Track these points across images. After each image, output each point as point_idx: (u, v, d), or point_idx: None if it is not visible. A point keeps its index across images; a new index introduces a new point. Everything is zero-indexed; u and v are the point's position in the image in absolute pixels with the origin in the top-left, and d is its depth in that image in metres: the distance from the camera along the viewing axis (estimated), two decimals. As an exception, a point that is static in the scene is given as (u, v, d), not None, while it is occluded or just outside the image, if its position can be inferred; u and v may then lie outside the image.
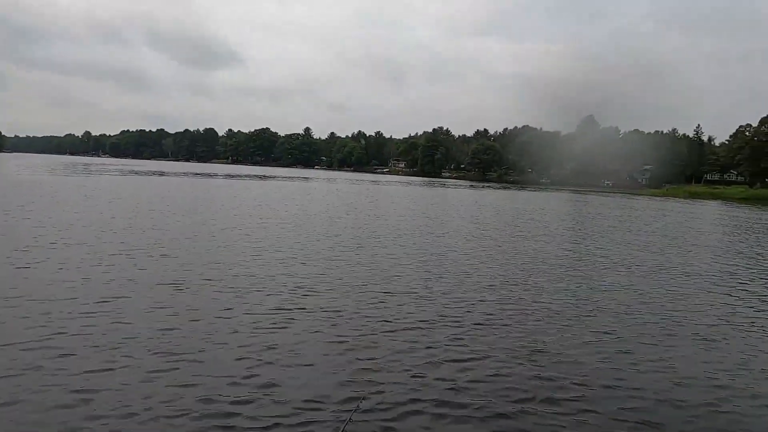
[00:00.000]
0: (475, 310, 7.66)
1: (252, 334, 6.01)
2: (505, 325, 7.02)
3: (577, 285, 9.85)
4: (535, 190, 71.77)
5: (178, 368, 4.95)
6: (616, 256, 13.72)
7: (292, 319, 6.70)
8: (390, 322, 6.81)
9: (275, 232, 14.85)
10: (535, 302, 8.33)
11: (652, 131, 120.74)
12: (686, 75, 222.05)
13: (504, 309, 7.83)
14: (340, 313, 7.08)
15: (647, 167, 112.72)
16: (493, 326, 6.92)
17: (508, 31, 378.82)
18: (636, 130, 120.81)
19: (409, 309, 7.50)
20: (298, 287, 8.36)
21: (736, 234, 22.92)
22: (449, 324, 6.86)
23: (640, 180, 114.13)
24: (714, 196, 77.29)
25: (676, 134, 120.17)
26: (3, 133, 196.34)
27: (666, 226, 25.52)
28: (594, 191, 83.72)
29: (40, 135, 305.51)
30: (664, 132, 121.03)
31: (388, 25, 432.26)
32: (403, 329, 6.54)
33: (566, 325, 7.13)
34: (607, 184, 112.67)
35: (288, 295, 7.90)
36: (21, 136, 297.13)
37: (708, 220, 32.06)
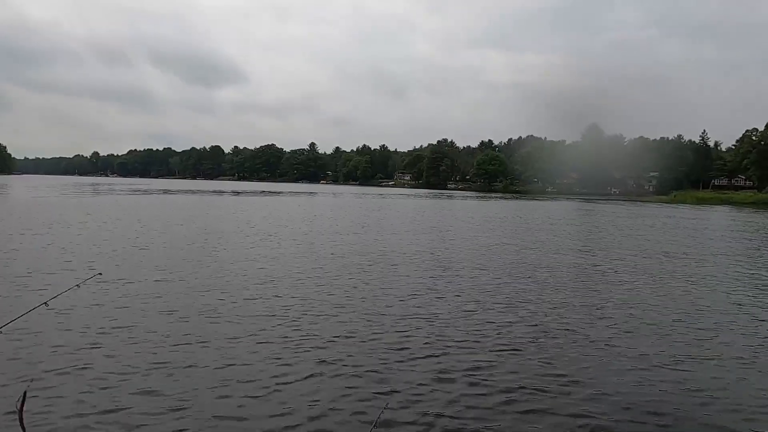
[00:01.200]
0: (501, 331, 7.41)
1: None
2: (534, 349, 6.62)
3: (611, 302, 9.84)
4: (541, 200, 71.73)
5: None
6: (656, 269, 13.67)
7: (303, 349, 6.80)
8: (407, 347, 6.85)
9: (288, 250, 15.02)
10: (562, 321, 8.32)
11: (658, 138, 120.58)
12: (689, 82, 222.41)
13: (531, 330, 7.50)
14: (354, 338, 6.96)
15: (653, 174, 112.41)
16: (523, 351, 6.58)
17: (507, 43, 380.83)
18: (641, 137, 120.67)
19: (428, 331, 7.48)
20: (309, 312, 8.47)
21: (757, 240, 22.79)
22: (469, 348, 6.67)
23: (646, 187, 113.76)
24: (723, 202, 76.85)
25: (682, 140, 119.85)
26: (12, 156, 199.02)
27: (687, 232, 25.44)
28: (601, 199, 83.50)
29: (48, 156, 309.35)
30: (670, 138, 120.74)
31: (388, 40, 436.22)
32: (423, 356, 6.41)
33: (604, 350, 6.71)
34: (614, 192, 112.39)
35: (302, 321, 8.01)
36: (30, 158, 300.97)
37: (728, 226, 31.90)
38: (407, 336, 6.85)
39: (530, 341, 6.84)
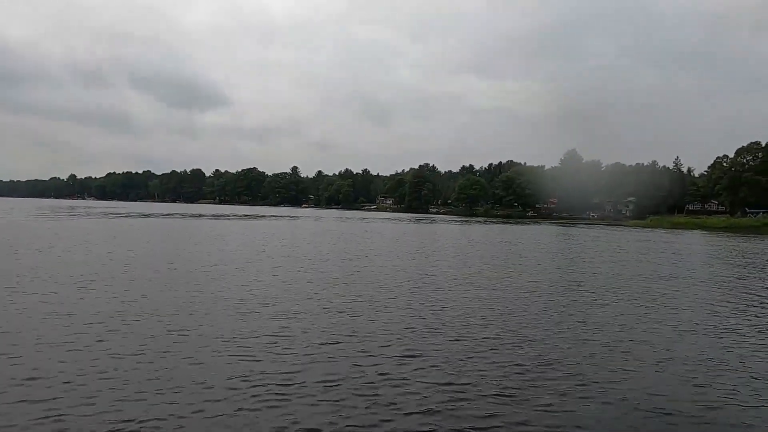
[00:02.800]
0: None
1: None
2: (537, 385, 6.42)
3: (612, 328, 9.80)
4: (521, 224, 72.40)
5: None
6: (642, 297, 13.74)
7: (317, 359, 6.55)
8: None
9: (275, 275, 14.69)
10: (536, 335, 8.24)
11: (634, 164, 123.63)
12: (663, 109, 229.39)
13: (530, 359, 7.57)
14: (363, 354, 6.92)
15: (630, 199, 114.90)
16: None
17: (488, 70, 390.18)
18: (618, 163, 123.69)
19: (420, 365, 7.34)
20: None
21: (730, 263, 23.20)
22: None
23: (623, 211, 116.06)
24: (697, 226, 78.57)
25: (657, 166, 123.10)
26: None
27: (663, 257, 25.78)
28: (580, 223, 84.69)
29: (24, 179, 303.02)
30: (645, 164, 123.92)
31: (371, 66, 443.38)
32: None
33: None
34: (592, 216, 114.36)
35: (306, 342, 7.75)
36: (5, 180, 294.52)
37: (711, 253, 32.47)
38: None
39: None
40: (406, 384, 6.03)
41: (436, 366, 6.70)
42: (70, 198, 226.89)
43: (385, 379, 6.15)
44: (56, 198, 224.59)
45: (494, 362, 6.91)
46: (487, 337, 8.24)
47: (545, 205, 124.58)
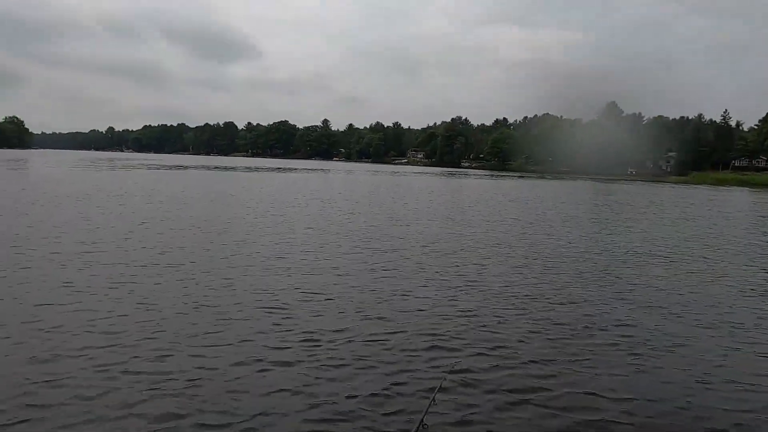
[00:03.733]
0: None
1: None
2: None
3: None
4: (557, 179, 71.17)
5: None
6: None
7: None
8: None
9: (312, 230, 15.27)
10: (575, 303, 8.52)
11: (677, 117, 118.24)
12: (712, 60, 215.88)
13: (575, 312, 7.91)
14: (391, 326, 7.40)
15: (671, 154, 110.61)
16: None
17: (522, 19, 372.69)
18: (660, 117, 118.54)
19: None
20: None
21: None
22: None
23: (664, 167, 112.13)
24: (742, 183, 75.62)
25: (702, 120, 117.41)
26: (29, 130, 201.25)
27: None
28: (617, 180, 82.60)
29: (65, 131, 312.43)
30: (690, 118, 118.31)
31: (401, 17, 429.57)
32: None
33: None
34: (631, 173, 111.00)
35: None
36: (47, 132, 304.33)
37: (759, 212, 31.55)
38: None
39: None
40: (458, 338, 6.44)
41: (485, 324, 7.04)
42: (110, 150, 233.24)
43: (435, 340, 6.55)
44: (96, 150, 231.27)
45: (549, 320, 7.21)
46: (537, 297, 8.55)
47: (581, 161, 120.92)
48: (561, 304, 7.91)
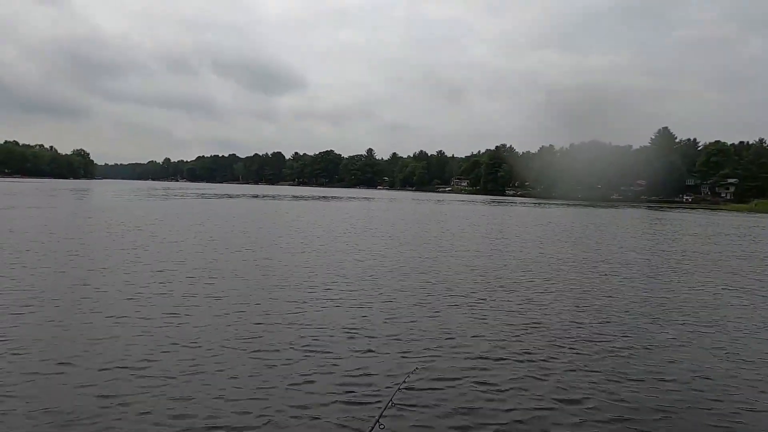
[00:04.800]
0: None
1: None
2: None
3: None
4: (607, 207, 68.94)
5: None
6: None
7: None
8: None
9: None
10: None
11: (736, 142, 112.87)
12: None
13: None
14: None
15: (731, 181, 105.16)
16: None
17: (570, 44, 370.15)
18: (717, 142, 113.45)
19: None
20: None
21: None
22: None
23: (723, 194, 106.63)
24: (812, 211, 70.67)
25: (764, 144, 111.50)
26: (94, 162, 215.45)
27: None
28: (671, 207, 79.08)
29: (125, 162, 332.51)
30: (751, 142, 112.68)
31: (444, 45, 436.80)
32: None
33: None
34: (686, 200, 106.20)
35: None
36: (110, 163, 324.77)
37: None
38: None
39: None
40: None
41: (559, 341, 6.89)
42: (165, 180, 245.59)
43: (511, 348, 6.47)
44: (153, 180, 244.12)
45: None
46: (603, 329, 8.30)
47: (632, 188, 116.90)
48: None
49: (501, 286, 10.80)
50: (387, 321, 7.70)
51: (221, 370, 5.48)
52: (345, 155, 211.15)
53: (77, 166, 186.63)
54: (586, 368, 6.00)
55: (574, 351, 6.62)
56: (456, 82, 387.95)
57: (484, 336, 7.14)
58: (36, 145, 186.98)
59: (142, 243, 15.25)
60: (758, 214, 63.57)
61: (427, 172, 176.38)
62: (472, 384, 5.40)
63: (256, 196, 63.58)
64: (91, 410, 4.47)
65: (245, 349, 6.17)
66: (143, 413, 4.47)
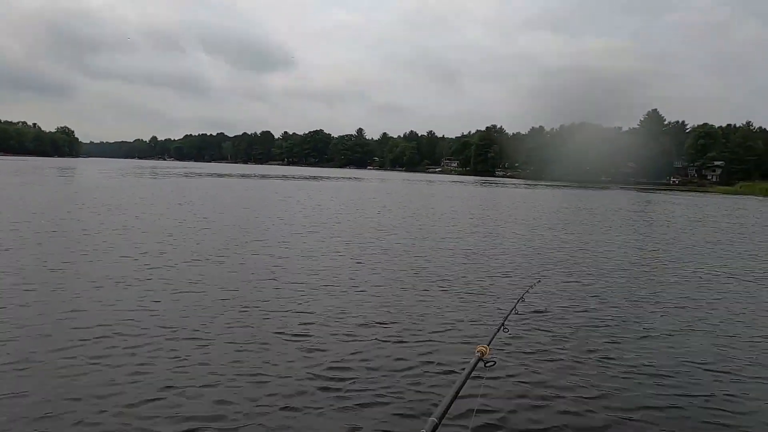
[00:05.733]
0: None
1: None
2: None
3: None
4: (595, 189, 69.40)
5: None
6: None
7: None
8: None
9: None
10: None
11: (724, 125, 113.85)
12: (762, 64, 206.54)
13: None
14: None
15: (718, 163, 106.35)
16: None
17: (562, 26, 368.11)
18: (705, 125, 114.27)
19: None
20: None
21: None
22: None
23: (709, 177, 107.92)
24: (795, 194, 71.74)
25: (751, 127, 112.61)
26: (79, 140, 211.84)
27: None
28: (658, 189, 79.87)
29: (111, 141, 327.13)
30: (738, 126, 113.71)
31: (437, 26, 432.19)
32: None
33: None
34: (673, 182, 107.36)
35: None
36: (95, 141, 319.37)
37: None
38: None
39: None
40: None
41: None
42: (152, 159, 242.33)
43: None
44: (140, 158, 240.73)
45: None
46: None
47: (621, 170, 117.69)
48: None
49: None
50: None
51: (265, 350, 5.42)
52: (335, 135, 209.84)
53: (62, 144, 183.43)
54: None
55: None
56: (449, 63, 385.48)
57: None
58: (19, 122, 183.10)
59: (127, 224, 15.04)
60: (743, 197, 64.43)
61: (417, 153, 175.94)
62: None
63: (245, 176, 63.02)
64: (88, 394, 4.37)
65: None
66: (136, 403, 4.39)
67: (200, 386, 4.53)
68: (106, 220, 15.57)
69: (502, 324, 3.09)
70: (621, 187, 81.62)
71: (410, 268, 10.25)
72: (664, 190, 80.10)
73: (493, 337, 2.71)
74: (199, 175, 61.53)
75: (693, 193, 69.19)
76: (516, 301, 4.30)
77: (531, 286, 6.00)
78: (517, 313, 4.49)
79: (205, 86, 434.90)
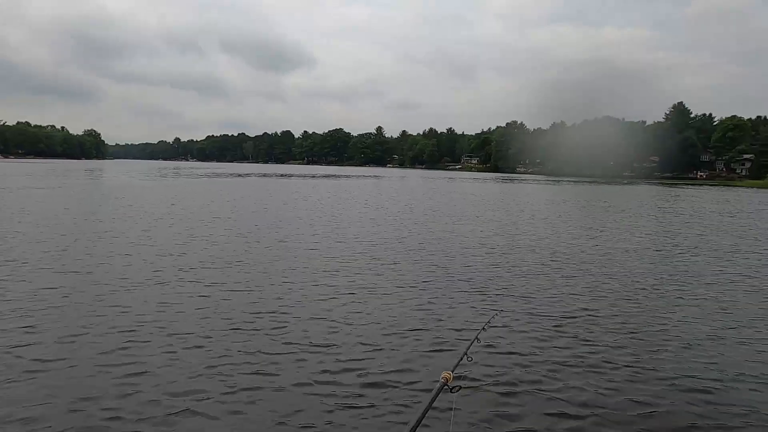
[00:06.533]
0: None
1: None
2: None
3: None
4: (621, 184, 68.24)
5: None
6: None
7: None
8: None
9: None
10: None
11: (753, 117, 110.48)
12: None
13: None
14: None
15: (746, 156, 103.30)
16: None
17: (581, 18, 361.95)
18: (733, 117, 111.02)
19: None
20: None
21: None
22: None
23: (738, 170, 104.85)
24: (829, 187, 69.39)
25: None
26: (105, 142, 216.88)
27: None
28: (685, 184, 78.10)
29: (136, 143, 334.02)
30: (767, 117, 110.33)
31: (454, 22, 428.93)
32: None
33: None
34: (700, 176, 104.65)
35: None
36: (120, 144, 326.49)
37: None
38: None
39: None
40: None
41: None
42: (175, 160, 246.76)
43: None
44: (164, 159, 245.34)
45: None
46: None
47: (645, 165, 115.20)
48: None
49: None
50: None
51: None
52: (354, 133, 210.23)
53: (89, 147, 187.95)
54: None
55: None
56: (466, 59, 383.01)
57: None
58: (48, 126, 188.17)
59: (151, 225, 15.50)
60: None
61: (437, 150, 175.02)
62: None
63: (265, 175, 63.84)
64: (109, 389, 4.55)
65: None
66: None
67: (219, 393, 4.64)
68: (136, 228, 16.04)
69: (467, 350, 2.88)
70: (647, 182, 79.96)
71: (432, 265, 10.36)
72: (691, 184, 78.22)
73: (458, 363, 2.58)
74: (220, 175, 62.46)
75: (723, 188, 67.44)
76: (480, 329, 3.80)
77: (495, 314, 5.16)
78: (479, 342, 4.03)
79: (225, 87, 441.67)
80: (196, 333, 5.83)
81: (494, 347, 5.76)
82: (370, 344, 5.73)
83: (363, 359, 5.31)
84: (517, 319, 6.80)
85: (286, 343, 5.62)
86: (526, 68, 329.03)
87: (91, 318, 6.21)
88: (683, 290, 8.88)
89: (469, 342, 3.29)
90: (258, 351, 5.37)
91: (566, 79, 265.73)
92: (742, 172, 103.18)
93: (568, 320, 6.84)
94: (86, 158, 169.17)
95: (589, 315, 7.12)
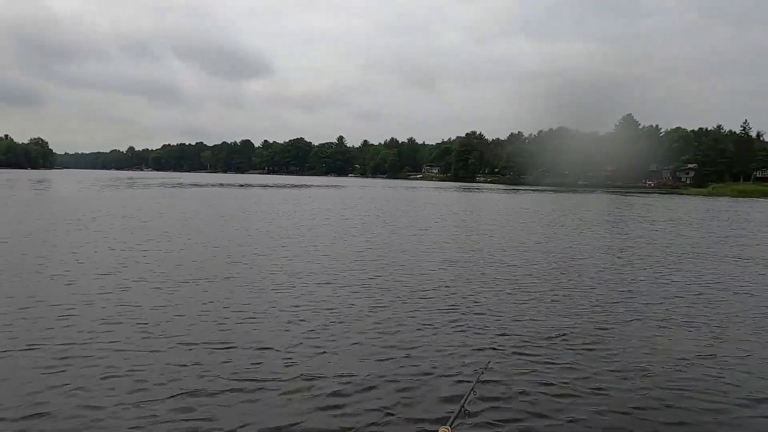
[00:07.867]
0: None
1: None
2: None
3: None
4: (574, 192, 70.52)
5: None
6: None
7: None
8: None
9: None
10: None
11: (696, 128, 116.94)
12: (731, 70, 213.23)
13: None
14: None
15: (691, 166, 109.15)
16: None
17: (539, 32, 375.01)
18: (678, 128, 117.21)
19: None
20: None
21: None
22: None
23: (683, 179, 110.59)
24: (765, 195, 73.90)
25: (722, 130, 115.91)
26: (53, 151, 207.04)
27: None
28: (635, 193, 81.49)
29: (87, 152, 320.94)
30: (709, 129, 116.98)
31: (416, 32, 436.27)
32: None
33: None
34: (649, 185, 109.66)
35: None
36: (70, 153, 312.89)
37: None
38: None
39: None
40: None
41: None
42: (129, 169, 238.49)
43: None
44: (117, 169, 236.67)
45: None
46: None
47: (598, 174, 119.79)
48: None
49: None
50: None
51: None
52: (316, 143, 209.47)
53: (35, 156, 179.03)
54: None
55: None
56: (428, 69, 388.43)
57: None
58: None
59: (104, 235, 14.76)
60: (715, 198, 66.11)
61: (398, 160, 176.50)
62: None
63: (221, 185, 62.45)
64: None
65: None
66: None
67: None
68: (81, 239, 15.27)
69: (464, 402, 2.74)
70: (604, 191, 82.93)
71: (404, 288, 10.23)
72: (641, 193, 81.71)
73: (456, 416, 2.42)
74: (180, 185, 60.70)
75: (674, 195, 70.72)
76: (474, 381, 3.53)
77: (487, 364, 4.95)
78: (475, 394, 3.94)
79: (183, 94, 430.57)
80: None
81: (491, 396, 4.83)
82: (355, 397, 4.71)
83: (354, 414, 4.41)
84: (514, 364, 5.65)
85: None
86: (487, 79, 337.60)
87: (23, 341, 5.74)
88: (691, 315, 9.07)
89: (465, 393, 3.05)
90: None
91: (524, 90, 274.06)
92: (686, 180, 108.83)
93: (570, 359, 5.82)
94: (32, 168, 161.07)
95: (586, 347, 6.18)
